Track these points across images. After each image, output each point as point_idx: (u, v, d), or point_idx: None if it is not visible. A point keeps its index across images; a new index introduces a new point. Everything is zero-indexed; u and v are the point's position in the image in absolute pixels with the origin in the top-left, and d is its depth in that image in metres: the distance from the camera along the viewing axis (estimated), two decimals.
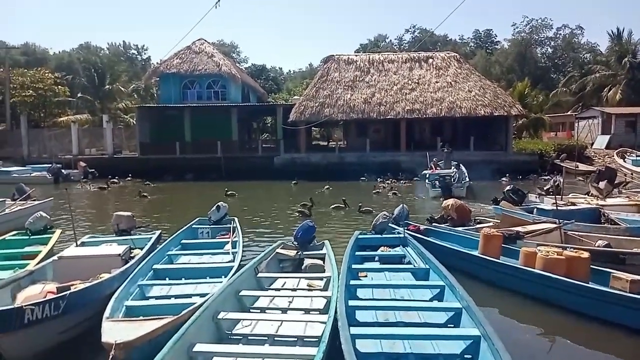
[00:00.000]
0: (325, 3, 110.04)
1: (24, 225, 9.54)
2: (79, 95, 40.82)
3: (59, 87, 39.27)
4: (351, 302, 5.34)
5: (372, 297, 6.07)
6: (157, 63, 41.02)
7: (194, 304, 5.17)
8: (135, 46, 68.93)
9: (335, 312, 4.78)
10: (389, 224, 9.13)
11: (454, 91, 27.94)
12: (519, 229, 8.55)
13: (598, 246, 7.65)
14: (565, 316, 6.04)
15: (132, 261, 6.97)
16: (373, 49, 56.86)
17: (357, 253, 7.93)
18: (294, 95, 47.52)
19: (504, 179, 22.06)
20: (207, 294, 5.62)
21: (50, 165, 25.40)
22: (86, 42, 62.32)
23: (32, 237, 9.13)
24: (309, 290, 6.36)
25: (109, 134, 29.85)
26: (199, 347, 4.28)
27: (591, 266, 6.38)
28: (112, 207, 15.60)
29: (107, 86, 41.03)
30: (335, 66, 30.35)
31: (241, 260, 7.37)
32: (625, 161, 25.57)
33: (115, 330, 4.45)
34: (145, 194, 19.22)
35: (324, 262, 7.36)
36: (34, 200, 13.54)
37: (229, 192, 18.23)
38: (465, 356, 4.36)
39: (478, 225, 9.90)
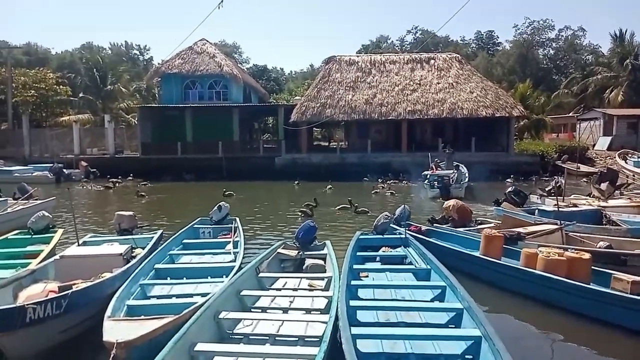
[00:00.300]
0: (326, 3, 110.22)
1: (26, 224, 9.56)
2: (80, 95, 40.90)
3: (61, 86, 39.33)
4: (352, 302, 5.34)
5: (373, 297, 6.08)
6: (159, 63, 41.04)
7: (195, 303, 5.17)
8: (137, 46, 69.01)
9: (336, 312, 4.79)
10: (391, 225, 9.13)
11: (455, 92, 27.93)
12: (520, 230, 8.56)
13: (599, 247, 7.64)
14: (566, 317, 6.04)
15: (134, 261, 6.99)
16: (375, 50, 56.89)
17: (358, 253, 7.93)
18: (296, 95, 47.56)
19: (508, 180, 22.05)
20: (208, 293, 5.63)
21: (52, 164, 25.44)
22: (88, 42, 62.56)
23: (34, 236, 9.13)
24: (310, 290, 6.36)
25: (111, 134, 29.88)
26: (200, 347, 4.28)
27: (592, 267, 6.37)
28: (114, 207, 15.62)
29: (109, 86, 41.08)
30: (336, 67, 30.37)
31: (242, 260, 7.37)
32: (626, 163, 25.55)
33: (117, 330, 4.45)
34: (142, 193, 19.29)
35: (325, 262, 7.36)
36: (36, 199, 13.58)
37: (227, 193, 18.23)
38: (466, 356, 4.36)
39: (479, 226, 9.90)
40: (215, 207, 10.30)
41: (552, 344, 5.62)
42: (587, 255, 6.42)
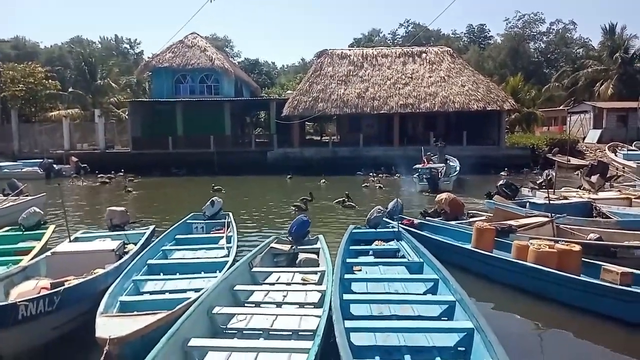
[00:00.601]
0: None
1: (16, 221, 9.46)
2: (70, 89, 40.46)
3: (50, 81, 38.87)
4: (345, 296, 5.36)
5: (366, 291, 6.10)
6: (150, 57, 40.67)
7: (189, 298, 5.16)
8: (127, 40, 68.38)
9: (330, 305, 4.80)
10: (384, 218, 9.16)
11: (447, 86, 28.00)
12: (512, 222, 8.62)
13: (590, 239, 7.71)
14: (557, 308, 6.10)
15: (126, 256, 6.94)
16: (367, 44, 56.77)
17: (351, 247, 7.95)
18: (287, 89, 47.44)
19: (502, 172, 22.13)
20: (201, 288, 5.62)
21: (41, 160, 25.21)
22: (77, 35, 61.93)
23: (25, 232, 9.03)
24: (303, 284, 6.38)
25: (101, 129, 29.65)
26: (193, 342, 4.28)
27: (583, 259, 6.44)
28: (105, 203, 15.54)
29: (99, 80, 40.65)
30: (328, 61, 30.30)
31: (236, 255, 7.36)
32: (616, 155, 25.81)
33: (109, 326, 4.44)
34: (130, 189, 19.23)
35: (318, 257, 7.38)
36: (27, 195, 13.45)
37: (215, 187, 18.14)
38: (459, 348, 4.40)
39: (471, 219, 9.95)
40: (208, 202, 10.27)
41: (543, 335, 5.69)
42: (577, 247, 6.48)
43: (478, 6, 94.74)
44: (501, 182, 13.18)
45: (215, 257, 7.48)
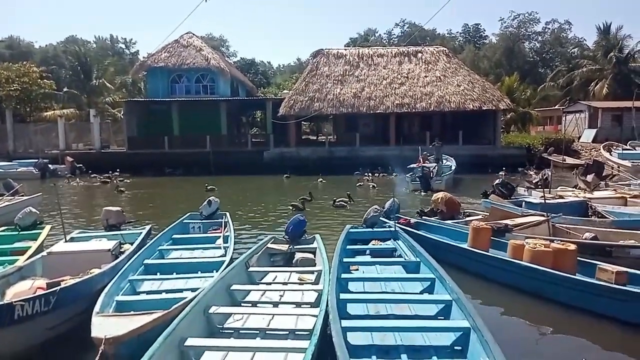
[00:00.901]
0: None
1: (12, 220, 9.42)
2: (65, 89, 40.26)
3: (45, 80, 38.64)
4: (342, 295, 5.37)
5: (363, 290, 6.11)
6: (145, 57, 40.55)
7: (185, 298, 5.15)
8: (123, 40, 68.15)
9: (327, 305, 4.80)
10: (380, 218, 9.17)
11: (442, 85, 28.05)
12: (508, 221, 8.63)
13: (585, 239, 7.75)
14: (553, 307, 6.13)
15: (123, 256, 6.93)
16: (362, 43, 56.73)
17: (348, 246, 7.96)
18: (284, 89, 47.36)
19: (501, 172, 22.19)
20: (198, 288, 5.61)
21: (37, 160, 25.11)
22: (72, 35, 61.67)
23: (21, 232, 8.99)
24: (300, 284, 6.38)
25: (96, 129, 29.47)
26: (190, 342, 4.27)
27: (578, 258, 6.47)
28: (100, 203, 15.49)
29: (94, 80, 40.49)
30: (324, 60, 30.29)
31: (232, 255, 7.36)
32: (611, 155, 25.94)
33: (105, 325, 4.42)
34: (122, 189, 19.17)
35: (314, 256, 7.38)
36: (22, 195, 13.39)
37: (209, 187, 18.07)
38: (455, 348, 4.41)
39: (467, 218, 9.98)
40: (205, 202, 10.25)
41: (538, 334, 5.71)
42: (572, 247, 6.51)
43: (473, 6, 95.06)
44: (497, 181, 13.26)
45: (212, 257, 7.46)
